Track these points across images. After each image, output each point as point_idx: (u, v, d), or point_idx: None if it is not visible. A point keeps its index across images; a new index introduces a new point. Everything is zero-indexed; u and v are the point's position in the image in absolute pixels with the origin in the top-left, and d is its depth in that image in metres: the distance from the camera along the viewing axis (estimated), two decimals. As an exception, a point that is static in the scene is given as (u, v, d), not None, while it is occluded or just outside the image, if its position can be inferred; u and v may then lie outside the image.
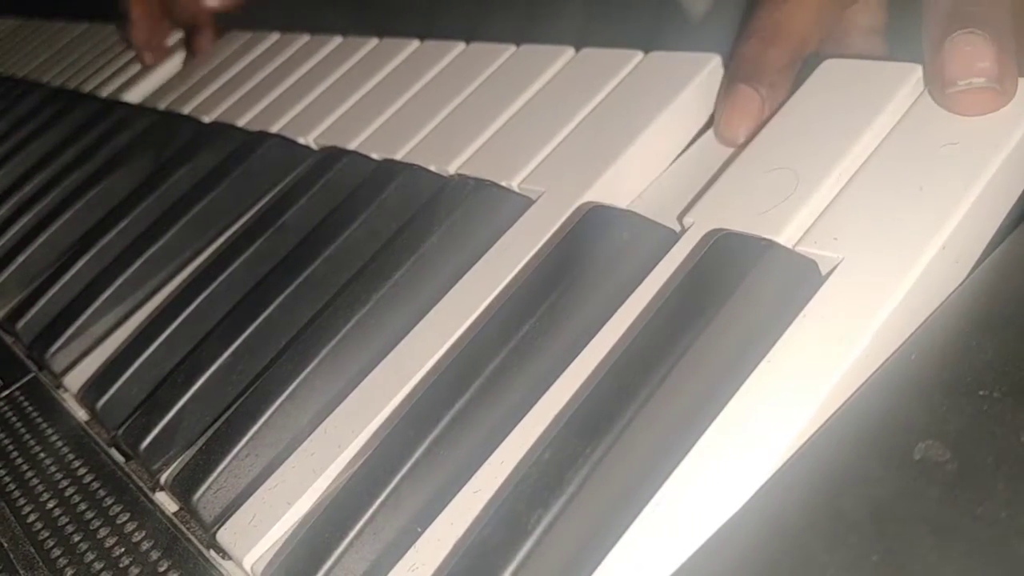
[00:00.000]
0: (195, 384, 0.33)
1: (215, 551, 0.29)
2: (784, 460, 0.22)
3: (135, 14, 0.63)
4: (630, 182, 0.33)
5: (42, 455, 0.34)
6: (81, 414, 0.37)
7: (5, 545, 0.30)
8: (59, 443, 0.35)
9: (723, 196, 0.29)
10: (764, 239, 0.25)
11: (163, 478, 0.32)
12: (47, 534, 0.30)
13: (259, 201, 0.45)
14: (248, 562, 0.27)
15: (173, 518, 0.30)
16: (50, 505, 0.31)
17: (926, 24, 0.27)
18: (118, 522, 0.30)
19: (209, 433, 0.32)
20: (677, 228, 0.29)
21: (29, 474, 0.33)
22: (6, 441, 0.36)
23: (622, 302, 0.27)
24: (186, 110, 0.56)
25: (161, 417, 0.33)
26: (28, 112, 0.70)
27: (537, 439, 0.25)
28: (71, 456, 0.34)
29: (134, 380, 0.36)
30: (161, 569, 0.28)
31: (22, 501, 0.32)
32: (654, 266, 0.28)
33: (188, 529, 0.29)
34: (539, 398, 0.26)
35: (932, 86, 0.27)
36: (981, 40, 0.25)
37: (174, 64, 0.67)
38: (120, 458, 0.34)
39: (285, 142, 0.46)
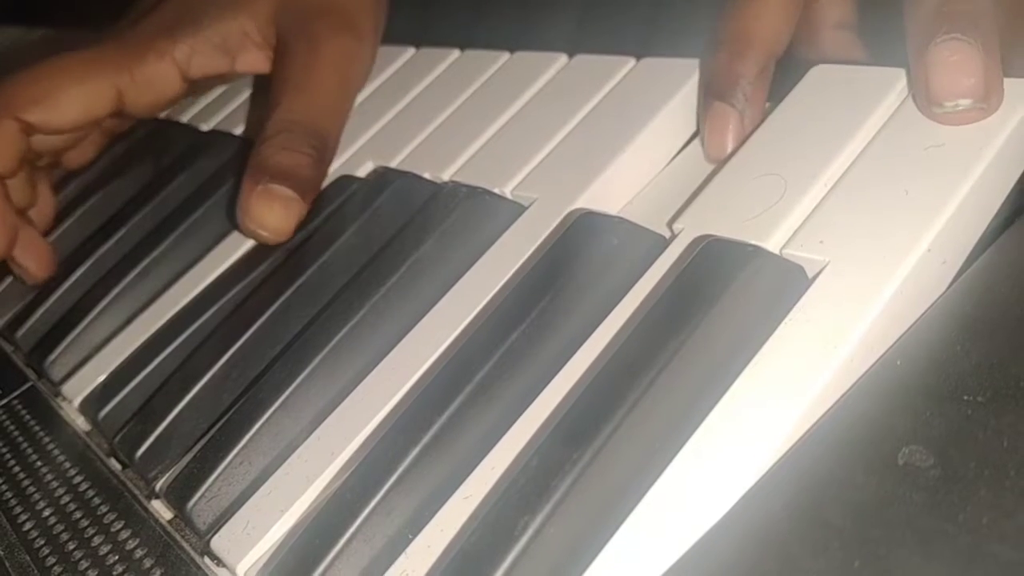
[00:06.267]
0: (190, 392, 0.33)
1: (209, 558, 0.29)
2: (769, 466, 0.22)
3: None
4: (621, 188, 0.33)
5: (39, 463, 0.34)
6: (79, 422, 0.37)
7: (1, 553, 0.30)
8: (56, 451, 0.35)
9: (712, 202, 0.29)
10: (751, 244, 0.25)
11: (158, 486, 0.32)
12: (42, 542, 0.30)
13: (256, 209, 0.45)
14: (241, 569, 0.28)
15: (167, 526, 0.30)
16: (46, 513, 0.32)
17: (909, 24, 0.26)
18: (112, 530, 0.30)
19: (204, 441, 0.32)
20: (667, 234, 0.30)
21: (26, 482, 0.33)
22: (3, 449, 0.36)
23: (611, 308, 0.27)
24: (184, 118, 0.56)
25: (156, 425, 0.33)
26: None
27: (527, 445, 0.25)
28: (67, 464, 0.34)
29: (136, 391, 0.36)
30: (154, 577, 0.28)
31: (18, 509, 0.32)
32: (643, 272, 0.28)
33: (182, 537, 0.30)
34: (529, 404, 0.26)
35: (916, 96, 0.26)
36: (967, 48, 0.24)
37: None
38: (117, 466, 0.34)
39: (282, 150, 0.47)
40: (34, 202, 0.49)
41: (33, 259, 0.46)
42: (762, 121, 0.30)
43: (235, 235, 0.42)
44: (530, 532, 0.22)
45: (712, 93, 0.31)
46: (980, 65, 0.24)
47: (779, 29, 0.31)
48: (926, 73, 0.25)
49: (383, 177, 0.39)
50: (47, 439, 0.36)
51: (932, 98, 0.25)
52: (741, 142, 0.30)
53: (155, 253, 0.44)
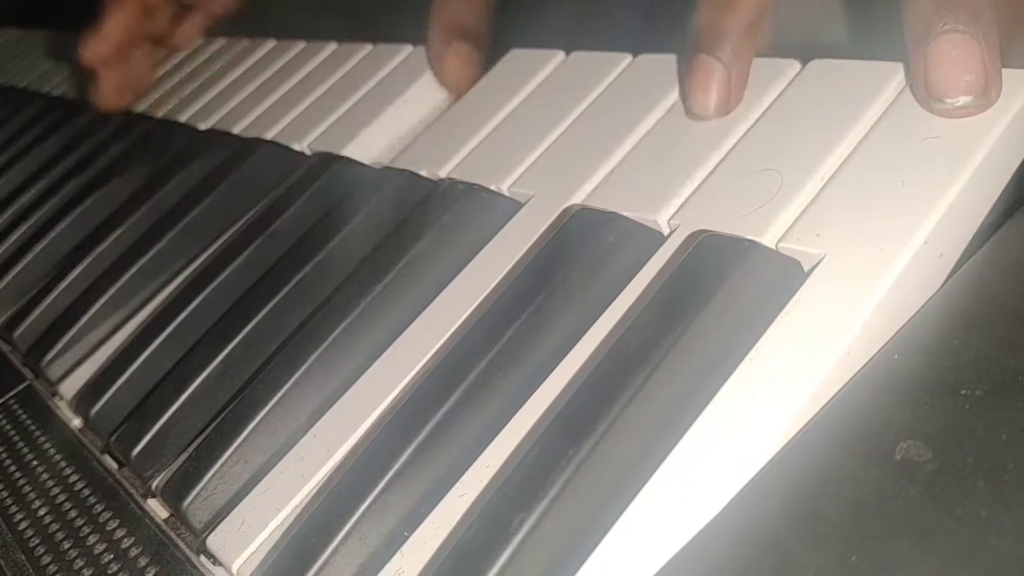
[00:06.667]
0: (186, 390, 0.33)
1: (205, 557, 0.29)
2: (766, 460, 0.22)
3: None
4: (618, 185, 0.33)
5: (35, 463, 0.34)
6: (75, 422, 0.37)
7: (-4, 552, 0.30)
8: (52, 451, 0.35)
9: (709, 198, 0.29)
10: (747, 239, 0.25)
11: (154, 484, 0.32)
12: (37, 541, 0.30)
13: (253, 208, 0.45)
14: (237, 567, 0.28)
15: (163, 524, 0.30)
16: (41, 512, 0.31)
17: (907, 14, 0.26)
18: (107, 529, 0.30)
19: (199, 439, 0.32)
20: (663, 230, 0.29)
21: (21, 482, 0.33)
22: (-1, 449, 0.36)
23: (607, 304, 0.27)
24: (182, 118, 0.56)
25: (153, 424, 0.33)
26: (28, 121, 0.70)
27: (522, 441, 0.25)
28: (63, 464, 0.34)
29: (128, 387, 0.36)
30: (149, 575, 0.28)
31: (14, 509, 0.32)
32: (640, 268, 0.28)
33: (178, 535, 0.30)
34: (525, 401, 0.26)
35: (915, 87, 0.26)
36: (968, 41, 0.24)
37: (172, 73, 0.67)
38: (113, 465, 0.34)
39: (279, 149, 0.47)
40: (170, 37, 0.53)
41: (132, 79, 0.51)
42: (760, 116, 0.30)
43: (233, 233, 0.42)
44: (526, 529, 0.22)
45: (698, 48, 0.30)
46: (980, 59, 0.24)
47: None
48: (925, 66, 0.25)
49: (380, 175, 0.39)
50: (43, 438, 0.36)
51: (932, 93, 0.25)
52: (726, 99, 0.30)
53: (153, 252, 0.43)
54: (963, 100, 0.25)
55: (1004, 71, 0.25)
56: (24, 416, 0.38)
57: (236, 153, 0.47)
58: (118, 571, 0.28)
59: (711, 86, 0.30)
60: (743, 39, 0.30)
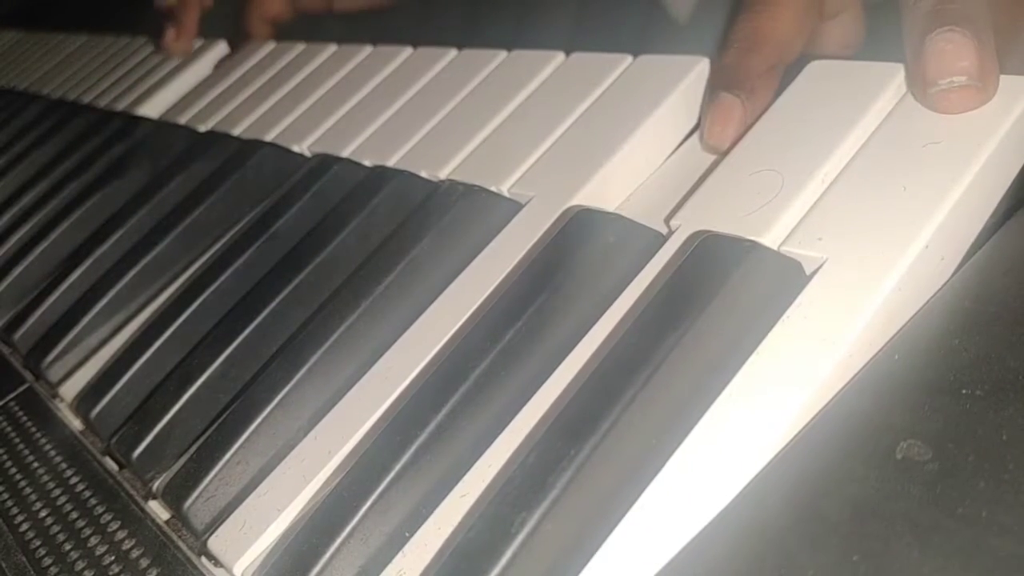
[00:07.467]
0: (187, 392, 0.33)
1: (206, 558, 0.29)
2: (768, 461, 0.22)
3: None
4: (619, 185, 0.33)
5: (35, 465, 0.34)
6: (75, 423, 0.37)
7: (-3, 554, 0.30)
8: (53, 453, 0.35)
9: (710, 198, 0.29)
10: (748, 240, 0.25)
11: (155, 486, 0.32)
12: (39, 543, 0.30)
13: (253, 209, 0.45)
14: (239, 569, 0.28)
15: (164, 526, 0.30)
16: (42, 514, 0.31)
17: (905, 24, 0.27)
18: (109, 530, 0.30)
19: (200, 441, 0.32)
20: (664, 230, 0.29)
21: (22, 483, 0.33)
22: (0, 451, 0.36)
23: (609, 305, 0.27)
24: (182, 120, 0.56)
25: (153, 425, 0.33)
26: (28, 123, 0.70)
27: (523, 442, 0.25)
28: (64, 465, 0.34)
29: (128, 389, 0.36)
30: (150, 577, 0.28)
31: (15, 511, 0.32)
32: (640, 269, 0.28)
33: (179, 537, 0.30)
34: (527, 401, 0.26)
35: (914, 86, 0.27)
36: (961, 38, 0.25)
37: (174, 76, 0.67)
38: (113, 467, 0.34)
39: (279, 150, 0.47)
40: None
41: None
42: (760, 117, 0.30)
43: (233, 235, 0.42)
44: (527, 529, 0.22)
45: (719, 85, 0.32)
46: (975, 51, 0.25)
47: (792, 35, 0.32)
48: (923, 62, 0.26)
49: (380, 176, 0.39)
50: (44, 440, 0.36)
51: (928, 80, 0.26)
52: (740, 137, 0.30)
53: (153, 254, 0.43)
54: (959, 80, 0.25)
55: (1004, 77, 0.25)
56: (25, 418, 0.38)
57: (236, 155, 0.47)
58: (119, 573, 0.28)
59: (729, 123, 0.31)
60: (763, 81, 0.31)
